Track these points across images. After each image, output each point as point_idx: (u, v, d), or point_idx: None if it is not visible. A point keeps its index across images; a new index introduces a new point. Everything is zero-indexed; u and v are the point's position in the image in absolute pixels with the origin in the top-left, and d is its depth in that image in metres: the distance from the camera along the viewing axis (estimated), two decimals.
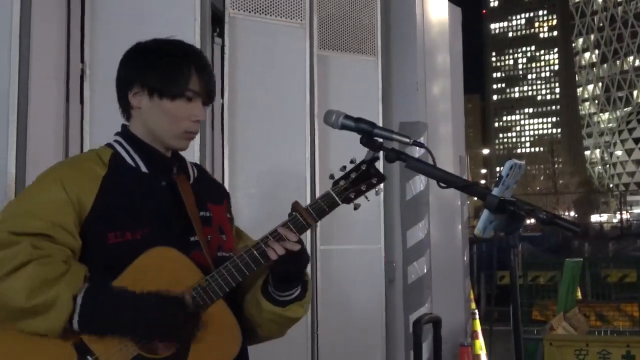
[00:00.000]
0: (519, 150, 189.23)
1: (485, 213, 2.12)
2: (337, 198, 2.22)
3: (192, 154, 4.65)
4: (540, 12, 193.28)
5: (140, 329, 2.01)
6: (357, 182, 2.21)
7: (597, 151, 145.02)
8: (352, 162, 2.21)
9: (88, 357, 2.02)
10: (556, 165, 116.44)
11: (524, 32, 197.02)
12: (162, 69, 2.27)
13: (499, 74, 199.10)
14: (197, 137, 4.80)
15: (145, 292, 2.03)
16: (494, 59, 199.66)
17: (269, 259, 2.16)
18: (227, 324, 2.17)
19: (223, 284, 2.14)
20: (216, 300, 2.13)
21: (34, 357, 2.03)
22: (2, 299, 1.96)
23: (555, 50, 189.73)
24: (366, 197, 2.26)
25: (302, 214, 2.20)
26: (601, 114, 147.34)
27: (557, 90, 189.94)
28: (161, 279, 2.09)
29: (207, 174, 2.54)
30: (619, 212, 63.27)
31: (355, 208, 2.26)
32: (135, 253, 2.09)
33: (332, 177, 2.24)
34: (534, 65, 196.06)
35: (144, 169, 2.27)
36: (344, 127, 2.28)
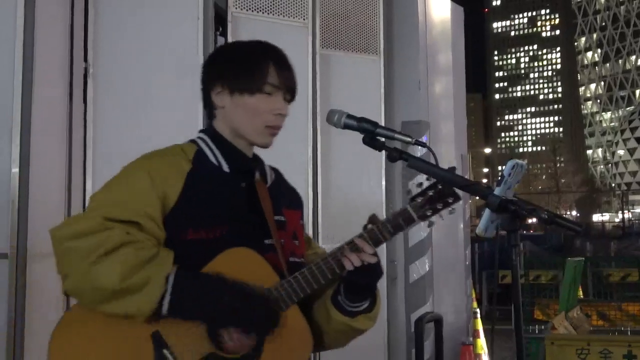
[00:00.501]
0: (521, 150, 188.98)
1: (486, 212, 2.13)
2: (414, 214, 2.22)
3: None
4: (543, 11, 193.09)
5: (227, 313, 2.04)
6: (434, 200, 2.21)
7: (599, 150, 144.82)
8: (428, 179, 2.22)
9: (164, 350, 2.06)
10: (558, 165, 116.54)
11: (526, 31, 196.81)
12: (241, 65, 2.30)
13: (501, 73, 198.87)
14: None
15: (234, 280, 2.07)
16: (496, 57, 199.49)
17: (344, 269, 2.18)
18: (299, 330, 2.20)
19: (298, 289, 2.16)
20: (291, 305, 2.16)
21: (112, 343, 2.07)
22: (96, 280, 2.00)
23: (558, 49, 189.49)
24: (441, 216, 2.24)
25: (379, 227, 2.21)
26: (603, 113, 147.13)
27: (559, 89, 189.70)
28: (239, 279, 2.12)
29: (284, 179, 2.54)
30: (620, 212, 63.27)
31: (430, 225, 2.27)
32: (212, 251, 2.12)
33: (409, 192, 2.26)
34: (536, 64, 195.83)
35: (225, 168, 2.29)
36: (346, 126, 2.29)
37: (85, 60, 4.64)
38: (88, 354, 2.08)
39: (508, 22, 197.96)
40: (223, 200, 2.22)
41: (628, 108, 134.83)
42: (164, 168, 2.21)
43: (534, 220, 2.11)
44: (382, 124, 3.76)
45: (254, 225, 2.24)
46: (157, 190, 2.15)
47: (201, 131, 2.40)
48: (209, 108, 2.39)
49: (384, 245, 6.38)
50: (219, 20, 5.40)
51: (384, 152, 2.29)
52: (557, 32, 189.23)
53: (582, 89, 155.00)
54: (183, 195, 2.17)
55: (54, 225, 4.36)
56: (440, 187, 2.21)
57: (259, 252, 2.17)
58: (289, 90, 2.34)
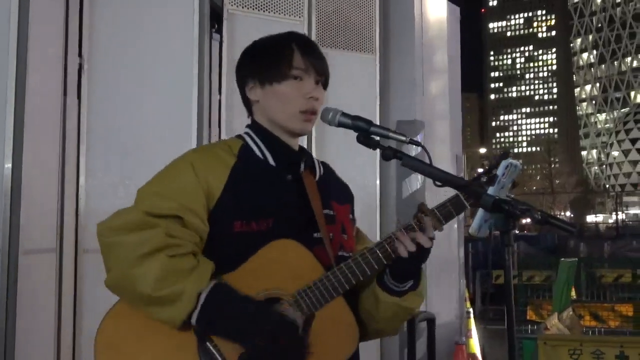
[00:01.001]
0: (516, 150, 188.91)
1: (480, 212, 2.12)
2: (466, 202, 2.20)
3: (189, 147, 4.65)
4: (539, 12, 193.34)
5: (253, 341, 2.03)
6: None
7: (594, 151, 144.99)
8: (486, 167, 2.18)
9: (207, 343, 2.06)
10: (553, 165, 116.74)
11: (522, 31, 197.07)
12: (266, 56, 2.33)
13: (497, 73, 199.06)
14: (194, 132, 4.82)
15: (267, 307, 2.06)
16: (492, 58, 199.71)
17: (391, 259, 2.18)
18: (345, 322, 2.19)
19: (344, 280, 2.15)
20: (336, 296, 2.15)
21: (156, 337, 2.08)
22: (131, 283, 2.02)
23: (554, 50, 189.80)
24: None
25: (428, 216, 2.19)
26: (598, 115, 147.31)
27: (555, 90, 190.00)
28: (283, 271, 2.14)
29: (333, 173, 2.53)
30: (614, 213, 63.31)
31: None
32: (259, 244, 2.13)
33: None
34: (532, 64, 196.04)
35: (271, 162, 2.29)
36: (341, 124, 2.28)
37: (80, 55, 4.63)
38: (133, 346, 2.10)
39: (504, 23, 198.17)
40: (269, 193, 2.22)
41: (623, 110, 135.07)
42: (208, 162, 2.22)
43: (528, 220, 2.10)
44: (377, 122, 3.75)
45: (301, 219, 2.24)
46: (202, 183, 2.16)
47: (247, 126, 2.41)
48: (247, 106, 2.42)
49: None
50: (215, 17, 5.39)
51: (378, 150, 2.29)
52: (553, 33, 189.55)
53: (577, 90, 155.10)
54: (227, 188, 2.18)
55: (46, 220, 4.34)
56: (495, 172, 2.17)
57: (306, 246, 2.17)
58: (320, 73, 2.37)
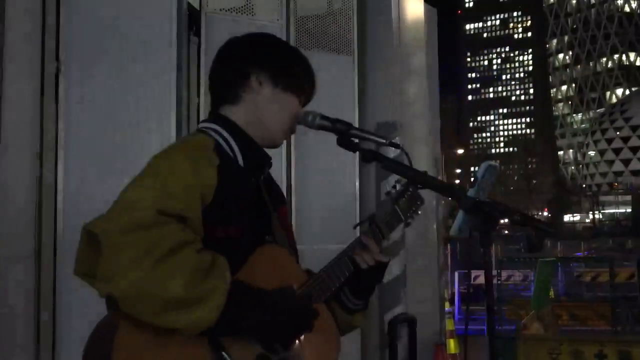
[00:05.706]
0: (493, 150, 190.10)
1: (460, 214, 2.15)
2: (402, 215, 2.34)
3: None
4: (515, 13, 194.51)
5: (274, 328, 1.98)
6: (414, 200, 2.36)
7: (571, 151, 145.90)
8: (398, 181, 2.30)
9: (222, 352, 1.95)
10: (530, 166, 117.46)
11: (498, 32, 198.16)
12: (292, 62, 2.32)
13: (473, 75, 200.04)
14: (173, 135, 4.80)
15: (277, 290, 2.01)
16: (468, 59, 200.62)
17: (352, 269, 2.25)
18: (329, 329, 2.22)
19: (335, 280, 2.20)
20: (322, 300, 2.17)
21: (169, 350, 1.92)
22: (156, 287, 1.80)
23: (530, 51, 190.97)
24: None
25: (380, 227, 2.28)
26: (574, 115, 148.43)
27: (531, 90, 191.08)
28: (275, 277, 2.10)
29: (271, 176, 2.46)
30: (591, 212, 63.78)
31: (407, 226, 2.41)
32: (235, 249, 2.04)
33: (389, 194, 2.37)
34: (508, 65, 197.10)
35: (240, 162, 2.19)
36: (320, 127, 2.29)
37: (57, 59, 4.59)
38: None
39: (480, 24, 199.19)
40: (242, 196, 2.14)
41: (599, 110, 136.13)
42: (204, 161, 2.06)
43: (507, 221, 2.12)
44: (356, 124, 3.76)
45: (262, 222, 2.21)
46: (200, 185, 2.01)
47: (211, 121, 2.26)
48: (235, 93, 2.27)
49: None
50: (193, 19, 5.37)
51: (357, 152, 2.30)
52: (529, 34, 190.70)
53: (553, 90, 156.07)
54: (218, 191, 2.04)
55: (22, 225, 4.29)
56: (411, 190, 2.31)
57: None
58: (308, 100, 2.41)
